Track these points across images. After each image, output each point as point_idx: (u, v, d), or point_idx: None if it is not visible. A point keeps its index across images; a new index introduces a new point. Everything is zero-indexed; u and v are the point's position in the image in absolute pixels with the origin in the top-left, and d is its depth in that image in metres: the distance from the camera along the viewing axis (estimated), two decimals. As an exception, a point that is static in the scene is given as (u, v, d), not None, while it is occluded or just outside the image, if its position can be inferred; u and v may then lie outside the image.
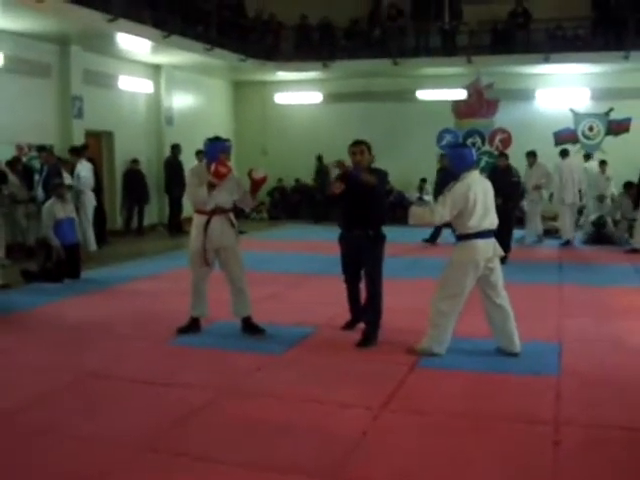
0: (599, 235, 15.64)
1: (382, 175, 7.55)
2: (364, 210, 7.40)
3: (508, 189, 12.74)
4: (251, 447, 4.85)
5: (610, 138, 19.17)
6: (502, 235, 12.23)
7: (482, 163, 18.20)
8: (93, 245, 13.75)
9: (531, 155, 16.59)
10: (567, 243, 15.62)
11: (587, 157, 17.64)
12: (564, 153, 16.41)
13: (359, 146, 7.62)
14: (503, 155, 14.54)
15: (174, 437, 5.06)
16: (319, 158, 20.92)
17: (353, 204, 7.40)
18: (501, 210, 12.38)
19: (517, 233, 16.09)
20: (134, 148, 17.99)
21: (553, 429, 5.14)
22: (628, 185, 15.43)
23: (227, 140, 7.99)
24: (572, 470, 4.54)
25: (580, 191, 16.07)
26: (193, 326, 7.84)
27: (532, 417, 5.36)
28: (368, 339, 7.40)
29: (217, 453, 4.77)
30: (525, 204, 16.85)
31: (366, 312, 7.70)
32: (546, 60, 19.19)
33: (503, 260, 11.76)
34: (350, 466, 4.61)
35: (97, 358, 6.93)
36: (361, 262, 7.62)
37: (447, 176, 12.25)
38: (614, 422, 5.26)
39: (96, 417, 5.42)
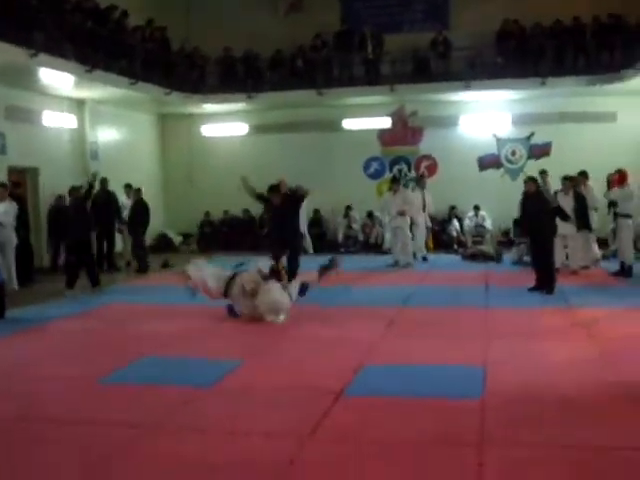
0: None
1: None
2: None
3: (541, 218, 12.30)
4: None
5: (532, 162, 19.70)
6: (542, 268, 12.38)
7: (409, 190, 18.55)
8: (14, 283, 13.51)
9: (395, 182, 17.16)
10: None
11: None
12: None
13: None
14: (531, 179, 12.90)
15: (96, 478, 4.96)
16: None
17: None
18: (536, 242, 12.49)
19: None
20: (59, 184, 17.68)
21: (477, 451, 5.21)
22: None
23: None
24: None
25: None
26: None
27: (456, 440, 5.43)
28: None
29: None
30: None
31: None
32: (467, 87, 19.62)
33: (549, 290, 12.11)
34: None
35: (20, 400, 6.76)
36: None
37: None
38: (537, 441, 5.36)
39: (16, 461, 5.27)
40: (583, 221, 14.33)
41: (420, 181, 18.25)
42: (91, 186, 14.10)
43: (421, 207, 17.77)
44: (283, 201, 12.56)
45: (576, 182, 14.61)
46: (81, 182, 16.00)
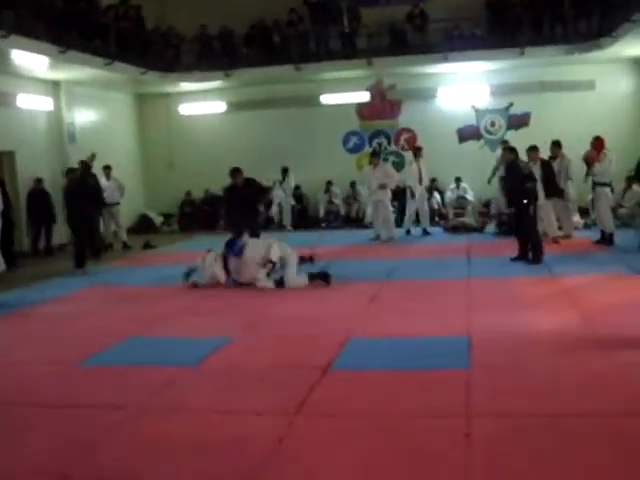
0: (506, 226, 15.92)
1: None
2: None
3: (516, 187, 12.39)
4: (164, 466, 4.76)
5: (512, 132, 19.71)
6: (525, 237, 12.33)
7: (389, 163, 18.53)
8: (2, 265, 13.37)
9: (375, 156, 17.09)
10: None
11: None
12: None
13: None
14: (507, 149, 13.39)
15: (85, 462, 4.90)
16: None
17: None
18: (515, 213, 12.50)
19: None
20: (37, 167, 17.56)
21: (464, 422, 5.21)
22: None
23: None
24: (484, 460, 4.60)
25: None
26: None
27: (443, 411, 5.44)
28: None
29: (130, 476, 4.64)
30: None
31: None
32: (445, 59, 19.52)
33: (536, 259, 12.18)
34: (267, 476, 4.56)
35: (4, 384, 6.73)
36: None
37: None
38: (524, 410, 5.38)
39: (1, 448, 5.23)
40: (550, 188, 14.29)
41: (416, 152, 17.90)
42: (88, 167, 13.99)
43: (418, 179, 17.40)
44: (244, 185, 12.84)
45: (537, 152, 14.42)
46: (62, 165, 15.91)
